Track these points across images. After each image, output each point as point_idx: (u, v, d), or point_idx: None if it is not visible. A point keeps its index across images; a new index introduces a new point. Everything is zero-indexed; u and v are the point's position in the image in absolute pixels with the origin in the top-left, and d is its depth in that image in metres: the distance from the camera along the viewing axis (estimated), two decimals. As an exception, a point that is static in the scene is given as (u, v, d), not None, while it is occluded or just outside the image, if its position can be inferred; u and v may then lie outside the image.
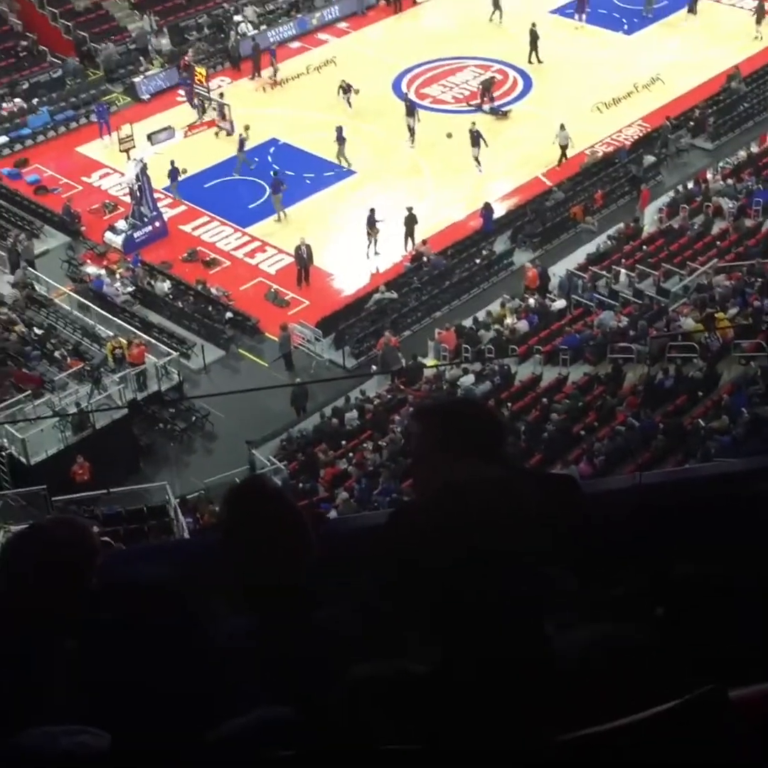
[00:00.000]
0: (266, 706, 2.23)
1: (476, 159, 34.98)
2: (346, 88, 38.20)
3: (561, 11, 43.97)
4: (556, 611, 2.09)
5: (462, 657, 2.04)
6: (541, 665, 2.04)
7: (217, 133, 38.18)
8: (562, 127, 34.82)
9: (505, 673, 2.03)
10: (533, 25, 40.73)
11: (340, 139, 35.51)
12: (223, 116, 37.41)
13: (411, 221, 31.85)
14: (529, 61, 40.88)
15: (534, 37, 40.54)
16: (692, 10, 43.39)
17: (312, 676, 2.29)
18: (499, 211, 33.47)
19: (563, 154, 35.13)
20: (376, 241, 31.82)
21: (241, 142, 35.71)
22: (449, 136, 35.14)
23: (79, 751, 2.05)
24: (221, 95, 38.73)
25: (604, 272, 29.91)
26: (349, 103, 38.18)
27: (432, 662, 2.08)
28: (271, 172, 34.41)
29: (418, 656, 2.12)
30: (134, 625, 2.06)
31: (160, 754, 2.07)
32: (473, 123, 35.39)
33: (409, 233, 32.06)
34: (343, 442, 25.51)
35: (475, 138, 34.76)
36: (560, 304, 29.30)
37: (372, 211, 31.67)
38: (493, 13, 43.94)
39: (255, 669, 2.39)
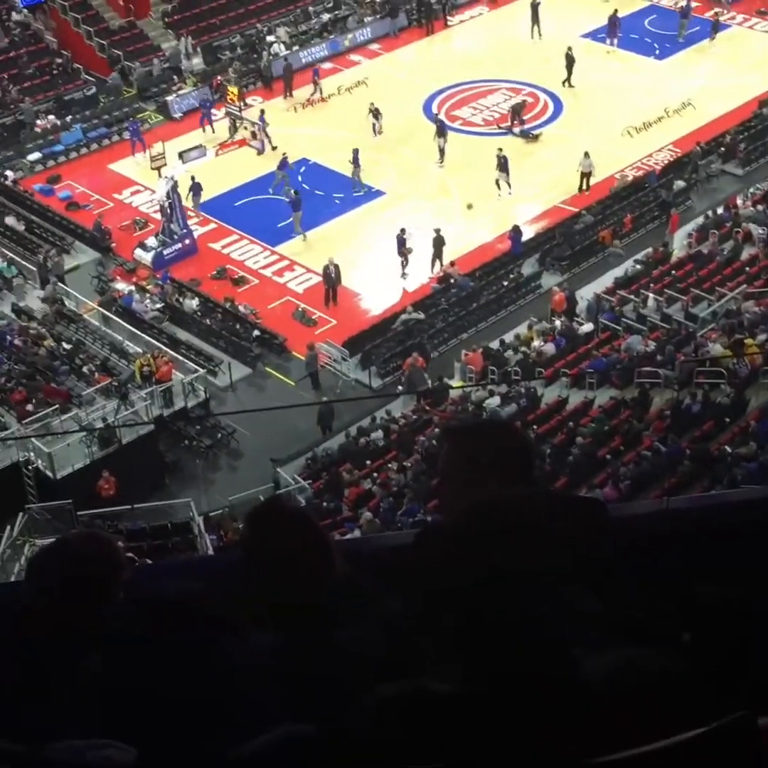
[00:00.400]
0: (288, 724, 2.23)
1: (499, 183, 34.89)
2: (375, 113, 38.18)
3: (592, 35, 44.02)
4: (581, 634, 2.09)
5: (486, 677, 2.04)
6: (566, 687, 2.03)
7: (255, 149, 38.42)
8: (586, 155, 34.69)
9: (529, 694, 2.03)
10: (569, 49, 40.76)
11: (356, 162, 35.53)
12: (254, 136, 37.58)
13: (439, 243, 31.88)
14: (564, 85, 40.84)
15: (570, 61, 40.54)
16: (712, 37, 43.38)
17: (334, 696, 2.29)
18: (527, 233, 33.48)
19: (586, 182, 34.88)
20: (407, 262, 31.81)
21: (283, 162, 35.69)
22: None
23: (105, 766, 2.06)
24: (262, 112, 38.85)
25: (632, 296, 29.83)
26: (375, 130, 38.15)
27: (455, 682, 2.08)
28: (293, 192, 34.48)
29: (441, 676, 2.12)
30: (158, 640, 2.06)
31: (182, 769, 2.07)
32: (500, 149, 35.41)
33: (437, 255, 32.08)
34: (368, 462, 25.51)
35: (503, 164, 34.74)
36: (587, 327, 29.23)
37: (402, 231, 31.71)
38: (533, 28, 44.04)
39: (277, 687, 2.39)
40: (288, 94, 41.35)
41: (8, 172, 37.43)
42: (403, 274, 31.92)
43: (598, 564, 2.39)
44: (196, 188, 35.07)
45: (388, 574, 2.94)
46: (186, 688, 2.05)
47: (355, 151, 35.69)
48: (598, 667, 2.10)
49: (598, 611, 2.38)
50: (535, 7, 43.96)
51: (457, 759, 2.04)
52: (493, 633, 2.03)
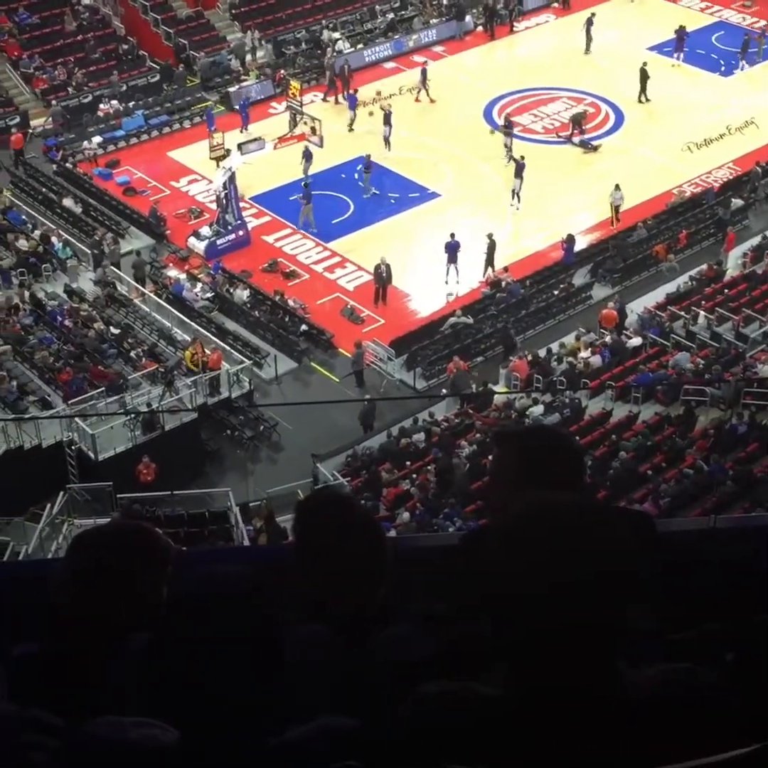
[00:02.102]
0: (330, 715, 2.24)
1: (515, 193, 34.74)
2: (386, 117, 38.04)
3: (658, 49, 43.73)
4: (626, 646, 2.08)
5: (529, 684, 2.04)
6: (609, 699, 2.03)
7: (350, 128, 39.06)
8: (617, 187, 34.05)
9: (571, 703, 2.02)
10: (644, 64, 40.50)
11: (368, 167, 35.42)
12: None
13: (491, 248, 31.80)
14: (639, 101, 40.56)
15: (644, 76, 40.27)
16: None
17: (378, 691, 2.30)
18: (581, 244, 33.34)
19: (616, 214, 34.39)
20: (457, 269, 31.75)
21: (368, 164, 35.63)
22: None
23: (148, 744, 2.07)
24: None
25: (682, 313, 29.65)
26: (387, 142, 38.01)
27: (501, 686, 2.08)
28: (303, 184, 34.49)
29: (486, 679, 2.12)
30: (210, 622, 2.07)
31: (224, 754, 2.08)
32: (522, 156, 35.26)
33: (489, 260, 32.00)
34: (408, 463, 25.51)
35: (519, 170, 34.61)
36: (636, 341, 29.06)
37: (452, 236, 31.62)
38: (588, 45, 44.01)
39: (321, 678, 2.40)
40: (346, 91, 41.12)
41: (89, 150, 37.78)
42: (452, 277, 31.83)
43: (645, 577, 2.38)
44: (308, 155, 35.78)
45: (433, 575, 2.95)
46: (233, 672, 2.06)
47: (368, 157, 35.63)
48: (642, 680, 2.10)
49: (644, 625, 2.37)
50: (589, 22, 43.87)
51: (495, 763, 2.04)
52: (538, 640, 2.02)
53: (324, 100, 41.32)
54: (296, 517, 2.82)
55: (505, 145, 36.96)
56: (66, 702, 2.34)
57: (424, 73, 41.08)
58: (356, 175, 36.23)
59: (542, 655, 2.01)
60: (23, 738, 2.14)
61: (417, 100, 41.05)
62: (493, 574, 2.05)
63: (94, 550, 2.70)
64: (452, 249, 31.46)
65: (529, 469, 2.82)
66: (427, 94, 41.04)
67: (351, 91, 40.50)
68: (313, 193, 34.46)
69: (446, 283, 31.80)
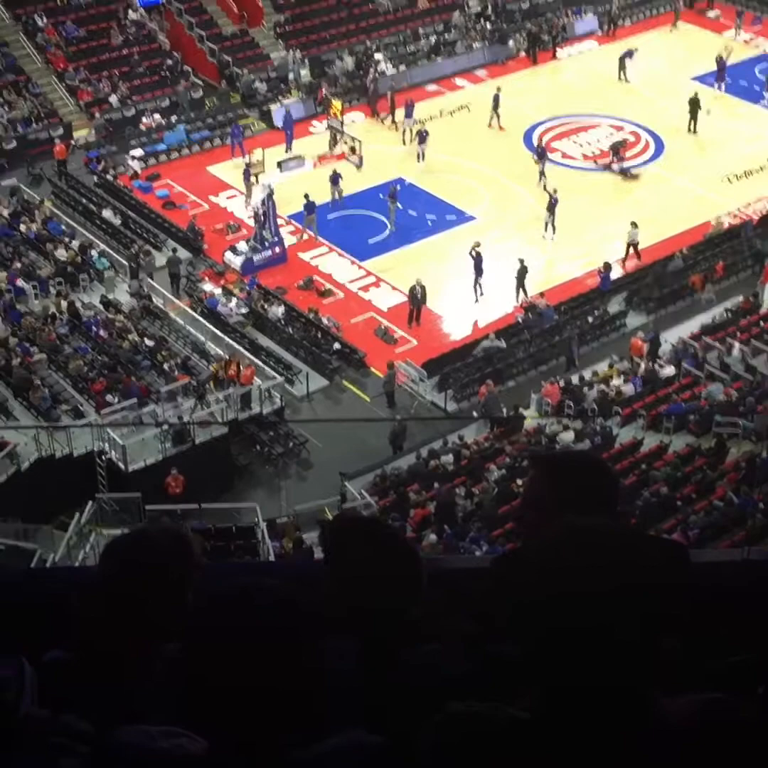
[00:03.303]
0: (357, 730, 2.23)
1: (548, 224, 34.63)
2: (422, 137, 38.23)
3: (702, 79, 43.65)
4: (663, 675, 2.07)
5: (562, 706, 2.03)
6: (643, 726, 2.02)
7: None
8: (634, 225, 33.66)
9: (604, 728, 2.01)
10: (695, 94, 40.42)
11: (393, 196, 35.33)
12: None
13: (522, 273, 31.76)
14: (689, 130, 40.46)
15: (694, 106, 40.15)
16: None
17: (406, 708, 2.30)
18: (617, 271, 33.27)
19: (635, 252, 33.94)
20: (481, 289, 31.78)
21: (393, 193, 35.57)
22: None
23: (176, 753, 2.07)
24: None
25: (717, 344, 29.49)
26: (420, 157, 38.22)
27: (530, 708, 2.07)
28: (304, 196, 34.53)
29: (517, 701, 2.11)
30: (243, 635, 2.07)
31: (252, 766, 2.08)
32: (555, 190, 35.22)
33: (520, 285, 31.95)
34: (436, 485, 25.45)
35: (552, 205, 34.56)
36: (669, 370, 28.94)
37: (478, 254, 31.61)
38: (620, 71, 44.07)
39: (349, 694, 2.39)
40: (391, 113, 41.22)
41: (131, 161, 38.17)
42: (480, 299, 31.82)
43: (680, 607, 2.36)
44: (334, 179, 36.06)
45: (461, 596, 2.95)
46: (265, 684, 2.06)
47: (395, 187, 35.58)
48: (675, 709, 2.08)
49: (676, 654, 2.35)
50: (628, 54, 43.98)
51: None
52: (570, 664, 2.02)
53: (380, 120, 41.27)
54: (328, 535, 2.81)
55: (541, 172, 36.98)
56: (95, 709, 2.34)
57: (496, 99, 40.91)
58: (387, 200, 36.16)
59: (574, 680, 2.00)
60: (54, 743, 2.15)
61: (489, 126, 40.95)
62: (527, 597, 2.05)
63: (123, 552, 2.74)
64: (478, 263, 31.54)
65: (564, 493, 2.82)
66: (498, 121, 40.95)
67: (409, 101, 40.61)
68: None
69: (477, 300, 31.89)
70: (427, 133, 38.30)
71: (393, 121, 41.13)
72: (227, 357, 28.28)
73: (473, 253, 31.58)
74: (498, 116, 40.91)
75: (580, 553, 2.04)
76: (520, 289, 32.06)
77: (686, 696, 2.14)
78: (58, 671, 2.57)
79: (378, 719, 2.31)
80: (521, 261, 31.82)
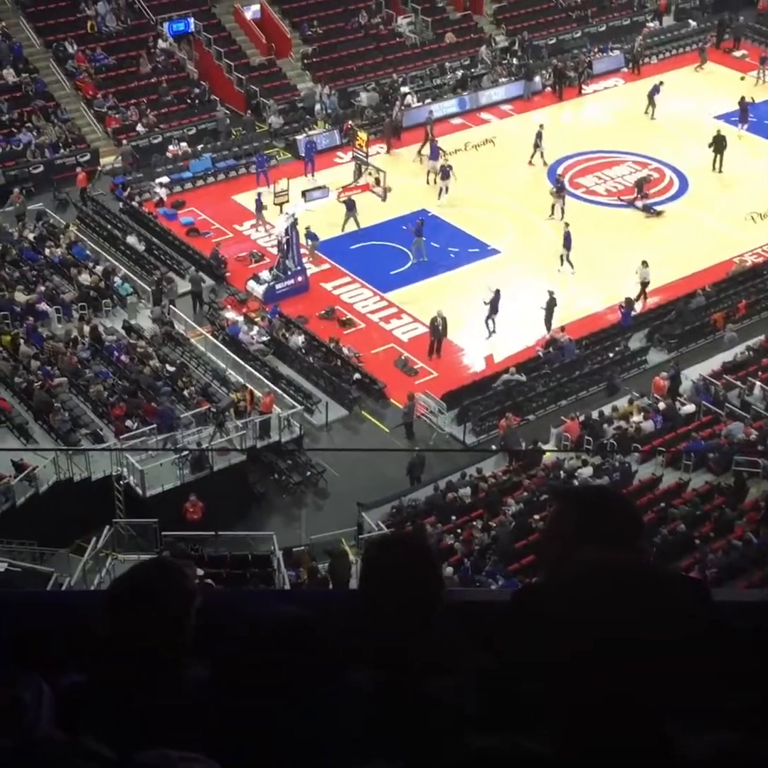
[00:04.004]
0: (377, 761, 2.22)
1: (563, 259, 34.62)
2: (445, 173, 38.22)
3: (726, 118, 43.70)
4: (682, 713, 2.06)
5: (580, 741, 2.02)
6: (660, 763, 2.01)
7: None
8: (645, 264, 33.51)
9: (622, 764, 2.00)
10: (718, 131, 40.49)
11: (419, 232, 35.33)
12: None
13: (551, 305, 31.75)
14: (714, 168, 40.49)
15: (720, 143, 40.21)
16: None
17: (426, 739, 2.28)
18: (637, 307, 33.23)
19: (643, 291, 33.73)
20: (494, 323, 31.78)
21: (419, 227, 35.54)
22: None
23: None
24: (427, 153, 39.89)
25: (738, 382, 29.40)
26: (442, 192, 38.28)
27: (549, 743, 2.06)
28: (306, 227, 34.68)
29: (535, 735, 2.10)
30: (267, 664, 2.08)
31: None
32: (567, 223, 35.28)
33: (549, 317, 31.92)
34: (453, 518, 25.40)
35: (567, 240, 34.59)
36: (689, 408, 28.84)
37: (497, 292, 31.63)
38: (648, 106, 44.14)
39: (369, 724, 2.39)
40: (427, 141, 41.28)
41: (157, 188, 38.49)
42: (491, 333, 31.81)
43: (699, 645, 2.35)
44: (350, 205, 36.39)
45: (479, 629, 2.93)
46: (286, 711, 2.06)
47: (421, 222, 35.58)
48: (694, 746, 2.07)
49: (696, 692, 2.34)
50: (655, 89, 44.11)
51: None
52: (589, 699, 2.01)
53: (418, 153, 41.44)
54: (365, 559, 2.82)
55: (562, 209, 37.04)
56: (113, 732, 2.35)
57: (539, 136, 40.85)
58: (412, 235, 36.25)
59: (593, 714, 1.99)
60: (71, 764, 2.15)
61: (530, 163, 40.90)
62: (548, 631, 2.04)
63: (116, 589, 2.78)
64: (495, 301, 31.53)
65: (586, 527, 2.81)
66: (542, 157, 40.94)
67: (433, 142, 40.79)
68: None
69: (491, 333, 31.87)
70: (450, 168, 38.40)
71: (418, 153, 41.27)
72: (247, 386, 28.35)
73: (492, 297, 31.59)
74: (541, 152, 41.00)
75: (602, 589, 2.04)
76: (548, 322, 31.98)
77: (703, 734, 2.12)
78: (76, 694, 2.58)
79: (398, 750, 2.30)
80: (551, 293, 31.79)
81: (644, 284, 33.63)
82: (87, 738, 2.24)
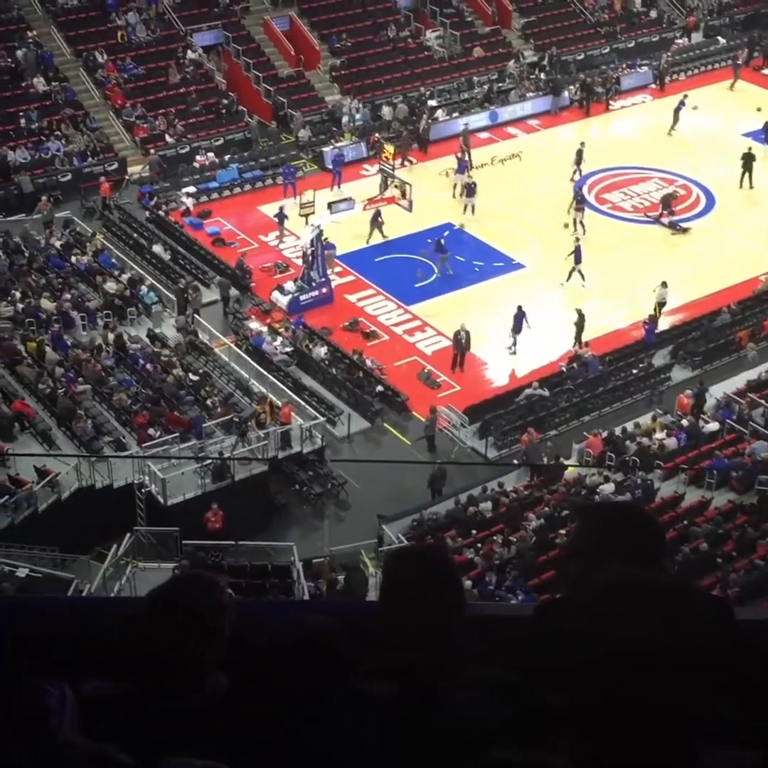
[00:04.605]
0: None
1: (572, 273, 34.62)
2: (469, 190, 38.18)
3: (754, 135, 43.56)
4: (705, 730, 2.05)
5: (602, 755, 2.01)
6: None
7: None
8: (664, 284, 33.29)
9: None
10: (749, 148, 40.40)
11: (441, 249, 35.33)
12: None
13: (581, 323, 31.68)
14: (741, 185, 40.44)
15: (748, 161, 40.12)
16: None
17: (446, 752, 2.28)
18: (663, 324, 33.14)
19: (659, 310, 33.42)
20: (515, 341, 31.74)
21: (441, 245, 35.52)
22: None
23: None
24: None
25: (762, 401, 29.24)
26: (466, 209, 38.24)
27: (570, 756, 2.05)
28: (323, 238, 34.53)
29: (557, 748, 2.10)
30: (289, 673, 2.08)
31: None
32: (577, 238, 35.23)
33: (579, 334, 31.85)
34: (474, 532, 25.35)
35: (577, 253, 34.56)
36: (713, 426, 28.71)
37: (519, 308, 31.59)
38: (673, 125, 44.10)
39: (390, 737, 2.38)
40: (406, 159, 41.37)
41: (184, 198, 38.67)
42: (517, 349, 31.76)
43: (721, 662, 2.35)
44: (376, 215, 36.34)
45: (502, 643, 2.93)
46: (304, 722, 2.06)
47: (442, 241, 35.53)
48: (716, 764, 2.06)
49: (719, 710, 2.33)
50: (681, 103, 44.10)
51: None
52: (611, 713, 2.00)
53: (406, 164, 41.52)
54: (386, 570, 2.82)
55: (581, 223, 37.02)
56: (135, 740, 2.35)
57: (579, 154, 40.66)
58: (442, 241, 36.25)
59: (614, 728, 1.99)
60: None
61: (572, 179, 40.49)
62: (572, 646, 2.04)
63: (158, 597, 2.78)
64: (518, 319, 31.47)
65: (608, 544, 2.81)
66: (579, 174, 40.83)
67: (459, 155, 40.90)
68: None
69: (513, 352, 31.80)
70: (475, 185, 38.35)
71: (471, 162, 41.39)
72: (267, 398, 28.39)
73: (515, 313, 31.56)
74: (580, 171, 40.95)
75: (625, 604, 2.03)
76: (578, 339, 31.90)
77: (724, 751, 2.11)
78: (98, 700, 2.59)
79: (418, 763, 2.29)
80: (579, 311, 31.73)
81: (661, 304, 33.41)
82: (108, 745, 2.25)
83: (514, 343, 31.78)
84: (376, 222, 36.59)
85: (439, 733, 2.39)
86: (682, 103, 44.30)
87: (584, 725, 2.04)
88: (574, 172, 40.93)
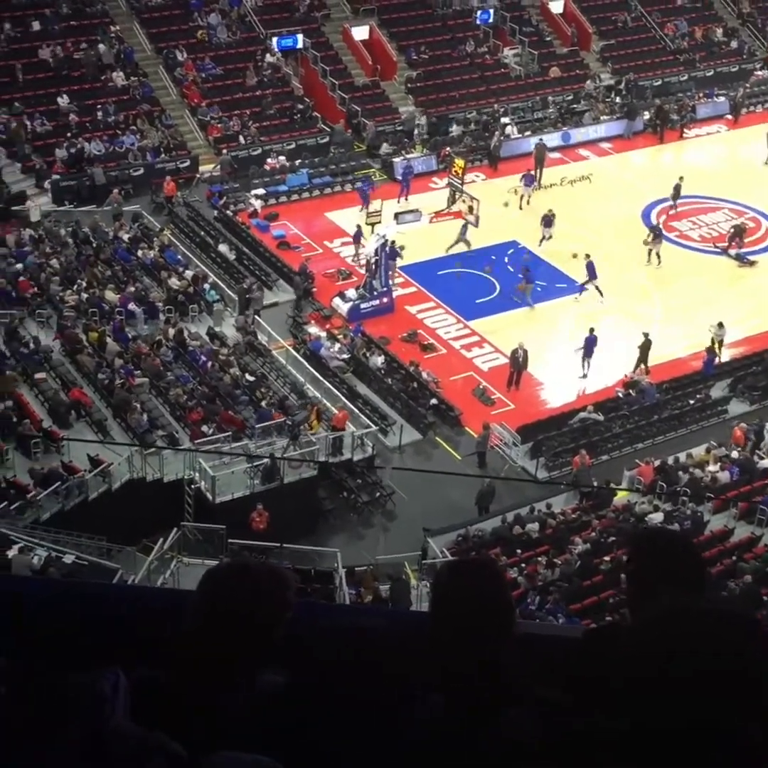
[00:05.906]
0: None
1: (588, 288, 34.59)
2: (548, 221, 37.82)
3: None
4: (742, 757, 2.05)
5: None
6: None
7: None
8: (721, 325, 32.70)
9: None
10: None
11: (530, 279, 35.11)
12: (470, 209, 38.05)
13: (646, 347, 31.46)
14: None
15: None
16: None
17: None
18: (723, 357, 32.85)
19: (719, 349, 32.91)
20: (589, 363, 31.55)
21: (528, 272, 35.33)
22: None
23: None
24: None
25: (820, 441, 28.91)
26: (544, 237, 37.94)
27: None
28: (399, 246, 34.71)
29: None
30: (346, 679, 2.09)
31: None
32: (588, 254, 35.03)
33: (643, 358, 31.62)
34: (519, 551, 25.25)
35: (590, 270, 34.39)
36: (767, 462, 28.41)
37: (591, 330, 31.42)
38: None
39: (434, 748, 2.39)
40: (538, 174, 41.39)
41: (253, 199, 38.97)
42: (584, 375, 31.61)
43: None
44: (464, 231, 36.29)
45: (546, 663, 2.94)
46: (355, 727, 2.08)
47: (528, 268, 35.43)
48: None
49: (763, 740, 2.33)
50: None
51: None
52: (662, 742, 2.01)
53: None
54: (437, 581, 2.82)
55: (658, 254, 36.81)
56: (183, 731, 2.37)
57: (677, 189, 40.23)
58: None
59: (662, 753, 2.00)
60: (146, 762, 2.18)
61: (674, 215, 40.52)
62: (630, 670, 2.05)
63: (225, 581, 2.73)
64: (589, 343, 31.32)
65: (657, 571, 2.83)
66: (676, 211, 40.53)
67: (532, 172, 40.90)
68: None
69: (585, 376, 31.60)
70: (554, 216, 37.88)
71: (541, 177, 41.44)
72: (313, 404, 28.44)
73: (587, 336, 31.43)
74: (676, 207, 40.60)
75: (680, 634, 2.04)
76: (641, 363, 31.69)
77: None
78: (151, 689, 2.60)
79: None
80: (646, 335, 31.52)
81: (719, 342, 32.87)
82: (160, 733, 2.27)
83: (587, 367, 31.60)
84: (463, 235, 36.51)
85: (486, 749, 2.40)
86: None
87: (640, 751, 2.04)
88: (672, 206, 40.54)
